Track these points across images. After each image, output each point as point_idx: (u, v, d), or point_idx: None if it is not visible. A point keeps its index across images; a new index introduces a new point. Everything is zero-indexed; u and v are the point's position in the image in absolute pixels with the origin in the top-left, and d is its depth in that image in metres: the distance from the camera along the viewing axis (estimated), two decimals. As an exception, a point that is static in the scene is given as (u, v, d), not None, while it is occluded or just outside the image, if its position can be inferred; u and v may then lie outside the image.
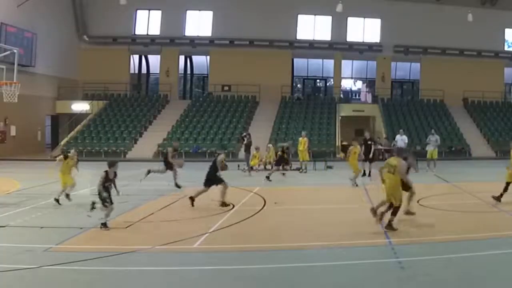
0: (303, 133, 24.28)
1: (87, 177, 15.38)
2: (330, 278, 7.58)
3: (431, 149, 23.05)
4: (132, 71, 41.49)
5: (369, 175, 20.52)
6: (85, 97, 37.71)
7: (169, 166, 16.72)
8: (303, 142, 22.96)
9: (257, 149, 24.05)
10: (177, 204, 13.77)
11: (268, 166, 23.96)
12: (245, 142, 23.08)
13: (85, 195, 13.68)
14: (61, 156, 13.95)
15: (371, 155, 21.00)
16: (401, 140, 23.27)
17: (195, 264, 8.22)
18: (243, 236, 10.18)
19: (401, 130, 25.13)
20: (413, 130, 33.48)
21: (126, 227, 10.77)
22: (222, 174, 13.38)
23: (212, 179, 13.33)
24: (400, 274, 7.61)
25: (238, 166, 23.86)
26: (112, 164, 10.95)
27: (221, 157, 13.66)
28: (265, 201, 13.94)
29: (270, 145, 25.46)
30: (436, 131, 26.35)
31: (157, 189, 16.49)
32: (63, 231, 10.33)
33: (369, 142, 21.42)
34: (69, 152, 14.69)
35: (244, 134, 24.23)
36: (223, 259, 8.44)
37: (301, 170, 22.68)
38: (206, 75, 42.23)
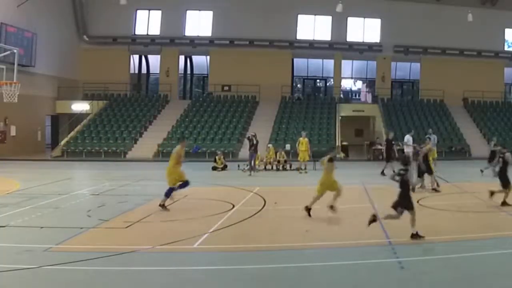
0: (303, 133, 24.23)
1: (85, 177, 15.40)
2: (330, 278, 7.58)
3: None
4: (132, 71, 41.51)
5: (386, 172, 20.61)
6: (85, 97, 37.73)
7: None
8: (304, 143, 22.91)
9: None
10: (177, 204, 13.76)
11: (269, 166, 24.02)
12: (254, 142, 22.96)
13: (84, 195, 13.66)
14: (325, 159, 12.42)
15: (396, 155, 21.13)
16: (412, 141, 23.26)
17: (195, 264, 8.22)
18: (243, 236, 10.17)
19: (412, 131, 25.10)
20: (413, 130, 33.44)
21: (126, 227, 10.76)
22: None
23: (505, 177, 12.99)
24: (400, 274, 7.61)
25: (238, 166, 23.88)
26: (406, 162, 10.20)
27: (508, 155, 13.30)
28: (265, 201, 13.94)
29: (270, 145, 25.47)
30: (436, 131, 26.33)
31: (157, 189, 16.50)
32: (63, 231, 10.32)
33: (393, 143, 21.51)
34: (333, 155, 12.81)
35: (253, 134, 24.05)
36: (223, 259, 8.44)
37: (300, 171, 22.69)
38: (206, 75, 42.26)
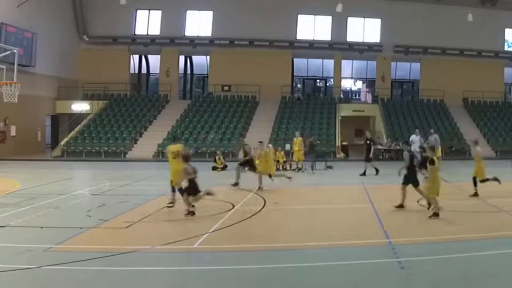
0: (297, 133, 24.36)
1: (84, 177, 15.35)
2: (330, 278, 7.57)
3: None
4: (132, 71, 41.53)
5: (364, 174, 20.61)
6: (85, 97, 37.74)
7: None
8: (297, 143, 23.02)
9: (255, 149, 24.03)
10: (177, 204, 13.75)
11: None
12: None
13: (84, 195, 13.65)
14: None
15: (371, 155, 21.18)
16: (418, 141, 23.20)
17: (195, 264, 8.22)
18: (243, 236, 10.17)
19: (416, 130, 25.04)
20: (413, 130, 33.39)
21: (126, 227, 10.76)
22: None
23: None
24: (400, 274, 7.60)
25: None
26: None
27: None
28: (265, 201, 13.93)
29: (270, 145, 25.40)
30: (436, 131, 26.33)
31: (157, 189, 16.50)
32: (63, 231, 10.31)
33: (368, 142, 21.54)
34: None
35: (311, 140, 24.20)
36: (223, 259, 8.44)
37: (296, 170, 22.78)
38: (206, 75, 42.27)
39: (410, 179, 12.92)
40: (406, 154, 13.44)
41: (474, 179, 14.78)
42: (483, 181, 14.74)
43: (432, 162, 11.81)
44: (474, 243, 9.25)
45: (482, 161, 15.11)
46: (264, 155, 17.08)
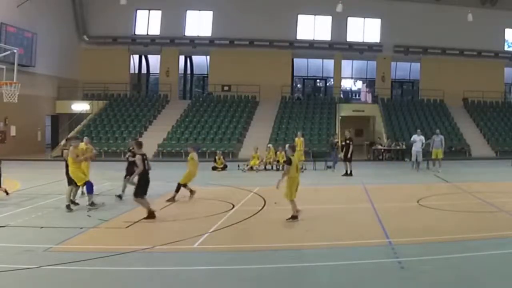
0: (299, 133, 24.38)
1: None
2: (330, 278, 7.57)
3: (436, 149, 23.00)
4: (132, 71, 41.53)
5: (351, 174, 20.63)
6: (85, 97, 37.75)
7: None
8: (299, 142, 23.03)
9: (256, 149, 24.07)
10: (177, 204, 13.77)
11: (268, 166, 24.00)
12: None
13: (84, 195, 13.64)
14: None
15: (349, 155, 21.20)
16: (419, 140, 23.19)
17: (195, 264, 8.22)
18: (243, 236, 10.18)
19: (418, 130, 25.05)
20: (413, 130, 33.37)
21: (126, 227, 10.77)
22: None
23: None
24: (400, 274, 7.60)
25: (238, 166, 23.89)
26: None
27: None
28: (265, 201, 13.93)
29: (270, 145, 25.47)
30: (441, 132, 26.40)
31: (157, 189, 16.50)
32: (63, 231, 10.32)
33: (348, 142, 21.56)
34: None
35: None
36: (223, 259, 8.44)
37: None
38: (206, 75, 42.28)
39: (139, 187, 11.56)
40: (139, 158, 11.49)
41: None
42: None
43: (289, 161, 11.42)
44: (474, 243, 9.25)
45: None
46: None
